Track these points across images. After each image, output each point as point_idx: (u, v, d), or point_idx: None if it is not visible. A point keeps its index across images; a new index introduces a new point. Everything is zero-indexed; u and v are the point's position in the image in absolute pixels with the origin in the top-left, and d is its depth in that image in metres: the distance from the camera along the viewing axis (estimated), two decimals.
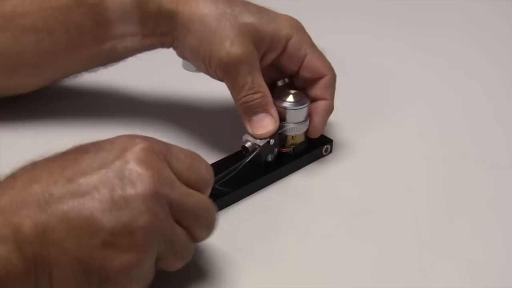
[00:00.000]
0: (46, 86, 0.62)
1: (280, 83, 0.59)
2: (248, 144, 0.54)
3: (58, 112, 0.63)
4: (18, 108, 0.61)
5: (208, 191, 0.44)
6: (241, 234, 0.50)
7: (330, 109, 0.56)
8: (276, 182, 0.55)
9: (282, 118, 0.54)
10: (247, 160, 0.53)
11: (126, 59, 0.60)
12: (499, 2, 0.92)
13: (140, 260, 0.39)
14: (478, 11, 0.91)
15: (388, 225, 0.52)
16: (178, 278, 0.46)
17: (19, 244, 0.36)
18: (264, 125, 0.54)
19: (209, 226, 0.43)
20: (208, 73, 0.55)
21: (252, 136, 0.54)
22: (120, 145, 0.40)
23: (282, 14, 0.55)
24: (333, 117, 0.58)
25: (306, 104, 0.55)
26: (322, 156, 0.58)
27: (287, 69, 0.57)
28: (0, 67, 0.57)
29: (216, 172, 0.51)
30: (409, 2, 0.92)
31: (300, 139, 0.56)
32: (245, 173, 0.53)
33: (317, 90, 0.56)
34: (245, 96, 0.53)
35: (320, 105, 0.56)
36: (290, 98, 0.55)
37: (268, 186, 0.55)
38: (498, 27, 0.87)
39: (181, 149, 0.43)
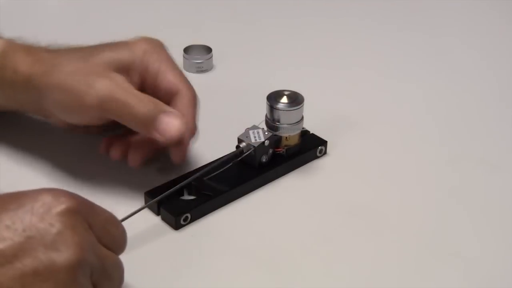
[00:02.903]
0: None
1: None
2: (242, 145, 0.54)
3: None
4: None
5: (120, 253, 0.42)
6: (236, 233, 0.51)
7: (192, 131, 0.54)
8: (270, 183, 0.56)
9: (276, 119, 0.55)
10: (239, 159, 0.53)
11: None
12: (500, 2, 0.92)
13: None
14: (478, 11, 0.91)
15: (385, 225, 0.52)
16: (172, 278, 0.46)
17: None
18: (170, 125, 0.51)
19: (118, 285, 0.41)
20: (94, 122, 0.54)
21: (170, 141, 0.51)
22: (43, 204, 0.36)
23: (137, 38, 0.55)
24: (331, 117, 0.58)
25: (301, 105, 0.55)
26: (317, 157, 0.59)
27: (150, 88, 0.55)
28: None
29: (209, 171, 0.53)
30: (408, 1, 0.92)
31: (294, 140, 0.56)
32: (240, 173, 0.54)
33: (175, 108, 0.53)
34: (137, 113, 0.51)
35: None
36: (284, 99, 0.55)
37: (262, 187, 0.55)
38: (499, 27, 0.87)
39: (102, 209, 0.40)
